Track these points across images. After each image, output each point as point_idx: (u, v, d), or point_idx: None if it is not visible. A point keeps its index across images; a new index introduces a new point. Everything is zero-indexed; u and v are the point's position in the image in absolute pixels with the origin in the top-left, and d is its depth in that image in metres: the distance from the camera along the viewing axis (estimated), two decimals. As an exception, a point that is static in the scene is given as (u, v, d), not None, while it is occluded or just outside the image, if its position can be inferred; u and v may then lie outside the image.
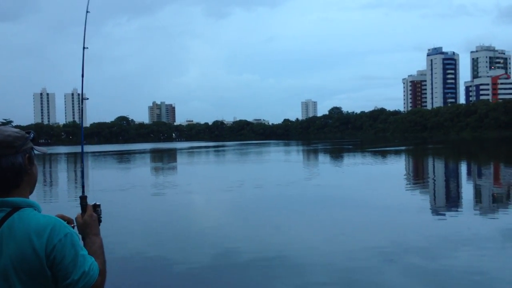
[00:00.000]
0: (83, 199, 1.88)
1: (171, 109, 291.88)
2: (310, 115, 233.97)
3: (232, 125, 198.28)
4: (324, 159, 41.46)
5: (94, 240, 1.75)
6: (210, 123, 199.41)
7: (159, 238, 10.22)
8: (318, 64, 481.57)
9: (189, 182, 23.08)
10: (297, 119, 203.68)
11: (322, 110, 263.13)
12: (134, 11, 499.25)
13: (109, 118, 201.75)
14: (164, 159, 49.91)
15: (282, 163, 37.25)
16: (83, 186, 2.18)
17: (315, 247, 8.94)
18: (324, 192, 17.30)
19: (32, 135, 1.70)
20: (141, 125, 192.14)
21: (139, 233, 10.92)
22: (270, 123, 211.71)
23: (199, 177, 26.70)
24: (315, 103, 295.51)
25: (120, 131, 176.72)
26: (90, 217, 1.80)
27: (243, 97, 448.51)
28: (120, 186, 20.92)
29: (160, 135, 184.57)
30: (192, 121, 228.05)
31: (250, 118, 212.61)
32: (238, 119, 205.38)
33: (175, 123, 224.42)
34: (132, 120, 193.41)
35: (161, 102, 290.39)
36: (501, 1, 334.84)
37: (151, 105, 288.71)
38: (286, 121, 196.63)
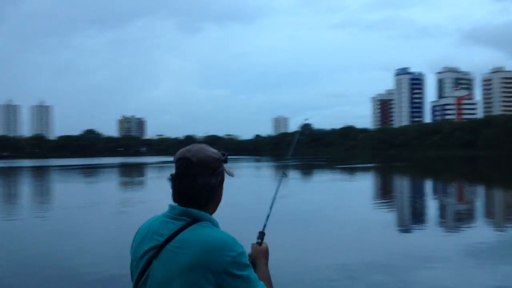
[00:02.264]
0: (261, 234, 2.00)
1: (141, 123, 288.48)
2: (281, 131, 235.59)
3: (203, 140, 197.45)
4: (294, 175, 41.71)
5: (265, 269, 1.78)
6: (181, 138, 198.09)
7: (122, 258, 9.99)
8: (289, 80, 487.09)
9: (159, 199, 22.75)
10: (268, 135, 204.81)
11: (293, 126, 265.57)
12: (105, 23, 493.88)
13: (76, 130, 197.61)
14: (132, 174, 49.13)
15: (253, 178, 37.24)
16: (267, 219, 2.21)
17: (282, 265, 8.93)
18: (293, 209, 17.36)
19: (226, 156, 1.80)
20: (110, 138, 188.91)
21: (107, 253, 10.66)
22: (241, 139, 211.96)
23: (168, 193, 26.32)
24: (286, 119, 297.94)
25: (88, 144, 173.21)
26: (266, 248, 1.87)
27: (214, 112, 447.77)
28: (84, 202, 20.43)
29: (129, 149, 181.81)
30: (162, 135, 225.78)
31: (221, 133, 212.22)
32: (209, 134, 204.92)
33: (145, 137, 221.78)
34: (100, 133, 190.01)
35: (131, 116, 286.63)
36: (462, 24, 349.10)
37: (120, 118, 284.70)
38: (257, 136, 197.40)
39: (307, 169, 49.88)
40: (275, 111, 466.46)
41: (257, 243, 1.90)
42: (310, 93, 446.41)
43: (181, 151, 1.72)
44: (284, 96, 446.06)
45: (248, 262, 1.58)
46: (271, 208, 2.21)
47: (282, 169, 51.31)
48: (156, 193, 26.00)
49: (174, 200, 1.69)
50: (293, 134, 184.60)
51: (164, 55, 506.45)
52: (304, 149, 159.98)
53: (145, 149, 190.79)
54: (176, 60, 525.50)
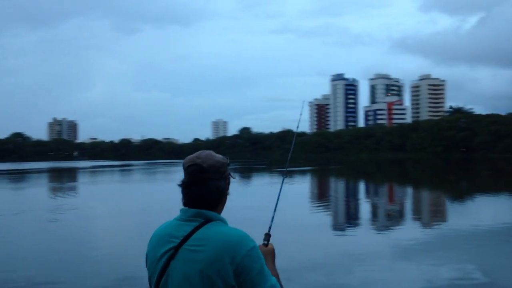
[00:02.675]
0: (267, 235, 2.12)
1: (73, 126, 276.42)
2: (221, 134, 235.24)
3: (140, 144, 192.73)
4: (233, 180, 41.73)
5: (273, 268, 1.88)
6: (116, 141, 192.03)
7: (52, 266, 9.50)
8: (228, 84, 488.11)
9: (91, 205, 21.89)
10: (207, 138, 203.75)
11: (232, 130, 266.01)
12: (35, 22, 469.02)
13: (2, 134, 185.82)
14: (63, 179, 46.91)
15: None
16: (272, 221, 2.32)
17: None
18: (232, 213, 17.36)
19: (229, 161, 1.91)
20: (39, 142, 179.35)
21: (31, 260, 10.07)
22: (179, 142, 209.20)
23: (102, 199, 25.45)
24: (225, 123, 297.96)
25: (15, 148, 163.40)
26: (273, 249, 2.01)
27: (151, 115, 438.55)
28: (10, 209, 19.22)
29: (60, 153, 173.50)
30: (96, 138, 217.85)
31: (159, 137, 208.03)
32: (146, 137, 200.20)
33: (77, 141, 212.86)
34: (28, 136, 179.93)
35: (62, 118, 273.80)
36: (393, 33, 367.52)
37: (51, 121, 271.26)
38: (196, 140, 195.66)
39: (246, 173, 50.13)
40: (214, 115, 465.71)
41: (264, 244, 2.00)
42: (249, 97, 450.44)
43: (191, 158, 1.79)
44: (223, 99, 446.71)
45: (261, 256, 1.67)
46: (275, 210, 2.34)
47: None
48: (89, 199, 24.99)
49: (185, 204, 1.77)
50: (232, 137, 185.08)
51: (98, 56, 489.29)
52: (243, 153, 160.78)
53: (77, 153, 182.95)
54: (112, 61, 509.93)
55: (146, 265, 1.79)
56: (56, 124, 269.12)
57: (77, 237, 12.83)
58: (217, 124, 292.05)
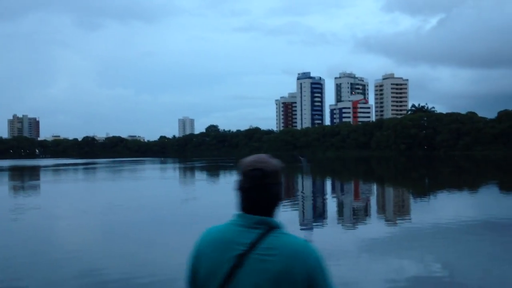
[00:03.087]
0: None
1: (34, 123, 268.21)
2: (187, 132, 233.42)
3: (105, 142, 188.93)
4: (201, 177, 41.54)
5: None
6: (79, 139, 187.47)
7: (15, 268, 9.19)
8: (194, 81, 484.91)
9: (53, 204, 21.29)
10: (174, 136, 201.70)
11: (200, 127, 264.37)
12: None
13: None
14: (25, 177, 45.41)
15: (158, 180, 36.41)
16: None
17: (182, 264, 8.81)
18: (199, 210, 17.26)
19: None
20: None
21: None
22: (145, 140, 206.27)
23: (64, 198, 24.80)
24: (192, 121, 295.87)
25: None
26: None
27: (116, 112, 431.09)
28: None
29: (21, 151, 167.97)
30: (59, 136, 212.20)
31: (124, 135, 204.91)
32: (111, 135, 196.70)
33: (39, 138, 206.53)
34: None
35: (23, 115, 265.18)
36: (357, 32, 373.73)
37: (11, 118, 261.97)
38: (162, 138, 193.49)
39: (214, 171, 49.96)
40: (181, 112, 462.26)
41: None
42: (215, 95, 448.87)
43: (250, 162, 1.75)
44: (190, 97, 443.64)
45: (326, 267, 1.69)
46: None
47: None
48: (51, 198, 24.30)
49: (244, 210, 1.74)
50: (199, 135, 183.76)
51: (60, 52, 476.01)
52: (210, 151, 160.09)
53: (38, 151, 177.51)
54: (74, 57, 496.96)
55: (192, 266, 1.75)
56: (16, 121, 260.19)
57: (40, 236, 12.45)
58: (184, 122, 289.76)
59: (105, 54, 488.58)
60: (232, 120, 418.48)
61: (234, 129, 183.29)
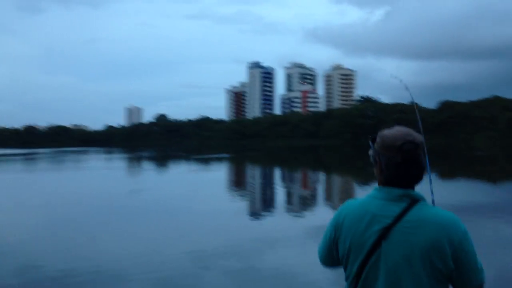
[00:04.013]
0: None
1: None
2: (135, 121, 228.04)
3: (47, 131, 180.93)
4: (148, 167, 40.76)
5: None
6: (20, 128, 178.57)
7: None
8: (142, 69, 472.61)
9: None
10: (121, 125, 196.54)
11: (148, 116, 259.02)
12: None
13: None
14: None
15: (103, 171, 35.35)
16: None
17: (133, 259, 8.63)
18: (146, 201, 16.92)
19: None
20: None
21: None
22: (90, 129, 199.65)
23: (2, 190, 23.55)
24: (139, 109, 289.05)
25: None
26: None
27: (59, 101, 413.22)
28: None
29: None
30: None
31: (67, 123, 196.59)
32: (53, 124, 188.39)
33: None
34: None
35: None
36: (305, 23, 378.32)
37: None
38: (108, 127, 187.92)
39: (163, 161, 49.18)
40: (128, 101, 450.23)
41: None
42: (164, 83, 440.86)
43: (400, 135, 1.72)
44: (138, 85, 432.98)
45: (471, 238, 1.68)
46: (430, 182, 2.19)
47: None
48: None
49: (389, 183, 1.73)
50: (147, 125, 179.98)
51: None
52: (159, 140, 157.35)
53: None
54: (14, 42, 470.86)
55: (332, 239, 1.80)
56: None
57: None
58: (131, 111, 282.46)
59: (48, 39, 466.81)
60: (182, 109, 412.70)
61: (183, 118, 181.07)
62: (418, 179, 1.74)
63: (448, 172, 29.66)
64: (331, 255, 1.84)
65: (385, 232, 1.65)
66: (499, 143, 74.57)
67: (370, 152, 1.87)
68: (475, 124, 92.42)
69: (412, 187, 1.74)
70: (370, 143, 1.86)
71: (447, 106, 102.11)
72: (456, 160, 42.86)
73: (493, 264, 7.61)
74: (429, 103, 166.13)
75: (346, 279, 1.78)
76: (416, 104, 1.89)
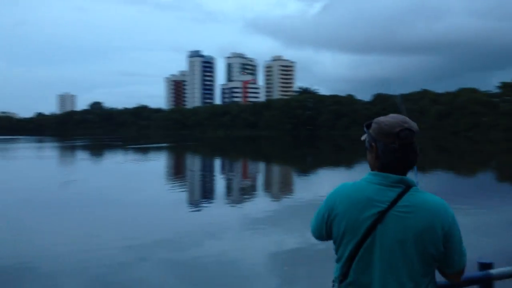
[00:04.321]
0: None
1: None
2: (68, 109, 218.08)
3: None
4: (83, 157, 39.21)
5: None
6: None
7: None
8: (76, 55, 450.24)
9: None
10: (52, 113, 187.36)
11: (82, 104, 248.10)
12: None
13: None
14: None
15: (34, 161, 33.57)
16: None
17: (67, 254, 8.30)
18: (81, 193, 16.30)
19: None
20: None
21: None
22: (19, 117, 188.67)
23: None
24: (73, 97, 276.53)
25: None
26: None
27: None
28: None
29: None
30: None
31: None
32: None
33: None
34: None
35: None
36: (245, 13, 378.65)
37: None
38: (39, 115, 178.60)
39: (98, 150, 47.48)
40: (61, 88, 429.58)
41: None
42: (100, 70, 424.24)
43: (397, 122, 1.78)
44: (71, 71, 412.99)
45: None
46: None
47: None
48: None
49: (385, 169, 1.78)
50: (81, 112, 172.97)
51: None
52: (94, 129, 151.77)
53: None
54: None
55: (326, 221, 1.83)
56: None
57: None
58: (64, 98, 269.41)
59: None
60: (118, 97, 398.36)
61: (120, 106, 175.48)
62: (412, 165, 1.80)
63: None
64: (322, 233, 1.90)
65: (380, 216, 1.71)
66: (428, 135, 79.06)
67: (365, 137, 1.90)
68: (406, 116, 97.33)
69: (406, 173, 1.80)
70: (365, 129, 1.90)
71: (380, 99, 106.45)
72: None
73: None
74: (365, 96, 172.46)
75: (338, 260, 1.83)
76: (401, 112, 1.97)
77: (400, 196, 1.73)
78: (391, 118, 1.82)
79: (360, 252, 1.74)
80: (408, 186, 1.76)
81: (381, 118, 1.85)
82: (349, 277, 1.77)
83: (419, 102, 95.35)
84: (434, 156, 37.21)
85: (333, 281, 1.85)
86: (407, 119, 1.82)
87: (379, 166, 1.80)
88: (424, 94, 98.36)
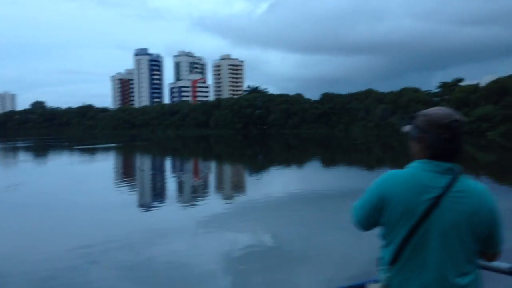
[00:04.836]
0: None
1: None
2: (8, 109, 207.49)
3: None
4: (25, 159, 37.47)
5: None
6: None
7: None
8: (14, 53, 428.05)
9: None
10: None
11: (22, 104, 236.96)
12: None
13: None
14: None
15: (-30, 164, 31.74)
16: None
17: (12, 256, 7.99)
18: (25, 196, 15.64)
19: None
20: None
21: None
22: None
23: None
24: (13, 96, 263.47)
25: None
26: None
27: None
28: None
29: None
30: None
31: None
32: None
33: None
34: None
35: None
36: (192, 11, 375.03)
37: None
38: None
39: (42, 151, 45.55)
40: (0, 87, 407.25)
41: None
42: (41, 68, 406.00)
43: (446, 114, 1.92)
44: (10, 69, 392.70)
45: None
46: None
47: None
48: None
49: (435, 157, 1.91)
50: (22, 112, 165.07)
51: None
52: (36, 129, 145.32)
53: None
54: None
55: (377, 208, 1.93)
56: None
57: None
58: (3, 97, 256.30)
59: None
60: (62, 97, 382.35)
61: (64, 106, 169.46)
62: (460, 153, 1.93)
63: (330, 159, 31.87)
64: (370, 221, 2.00)
65: (436, 201, 1.86)
66: (373, 133, 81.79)
67: (408, 129, 2.04)
68: (352, 115, 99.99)
69: (454, 161, 1.93)
70: (410, 120, 2.04)
71: (327, 98, 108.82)
72: (337, 148, 46.15)
73: (375, 243, 8.45)
74: (313, 95, 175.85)
75: (387, 244, 1.94)
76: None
77: (452, 182, 1.88)
78: (439, 110, 1.96)
79: (416, 235, 1.86)
80: (457, 173, 1.91)
81: (429, 111, 1.98)
82: (401, 259, 1.88)
83: (364, 101, 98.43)
84: (381, 153, 38.64)
85: (381, 264, 1.96)
86: (453, 110, 1.95)
87: (429, 155, 1.93)
88: (369, 94, 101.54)
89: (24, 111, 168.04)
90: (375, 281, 1.97)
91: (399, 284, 1.89)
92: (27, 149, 50.70)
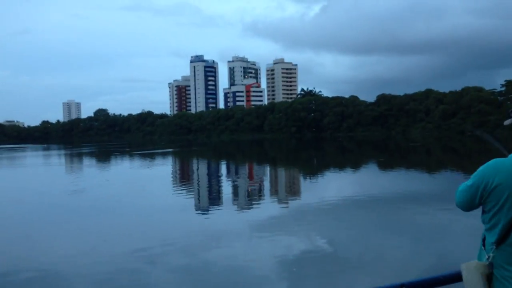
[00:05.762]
0: None
1: None
2: (73, 117, 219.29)
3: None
4: (90, 164, 39.40)
5: None
6: None
7: None
8: (79, 63, 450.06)
9: None
10: (58, 121, 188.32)
11: (87, 112, 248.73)
12: None
13: None
14: None
15: (41, 169, 33.80)
16: None
17: (78, 259, 8.41)
18: (88, 199, 16.43)
19: None
20: None
21: None
22: (25, 125, 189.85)
23: None
24: (78, 104, 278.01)
25: None
26: None
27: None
28: None
29: None
30: None
31: (0, 120, 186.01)
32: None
33: None
34: None
35: None
36: (244, 17, 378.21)
37: None
38: (45, 123, 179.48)
39: (105, 157, 47.70)
40: (66, 95, 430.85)
41: None
42: (103, 77, 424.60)
43: None
44: (75, 79, 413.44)
45: None
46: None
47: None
48: None
49: None
50: (86, 120, 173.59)
51: None
52: (99, 136, 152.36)
53: None
54: None
55: (483, 192, 2.04)
56: None
57: None
58: (69, 106, 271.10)
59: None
60: (123, 104, 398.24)
61: (125, 113, 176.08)
62: None
63: (387, 163, 31.01)
64: (473, 203, 2.12)
65: None
66: (433, 134, 78.74)
67: (509, 122, 2.17)
68: (410, 117, 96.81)
69: None
70: (510, 113, 2.15)
71: (384, 100, 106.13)
72: (394, 151, 44.83)
73: (432, 249, 8.13)
74: (368, 97, 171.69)
75: (492, 227, 2.04)
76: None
77: None
78: None
79: None
80: None
81: None
82: (509, 238, 1.98)
83: (423, 102, 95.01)
84: (441, 156, 37.12)
85: (486, 246, 2.05)
86: None
87: None
88: (428, 94, 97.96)
89: (88, 119, 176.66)
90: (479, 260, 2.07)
91: (503, 263, 1.98)
92: (91, 154, 53.27)
